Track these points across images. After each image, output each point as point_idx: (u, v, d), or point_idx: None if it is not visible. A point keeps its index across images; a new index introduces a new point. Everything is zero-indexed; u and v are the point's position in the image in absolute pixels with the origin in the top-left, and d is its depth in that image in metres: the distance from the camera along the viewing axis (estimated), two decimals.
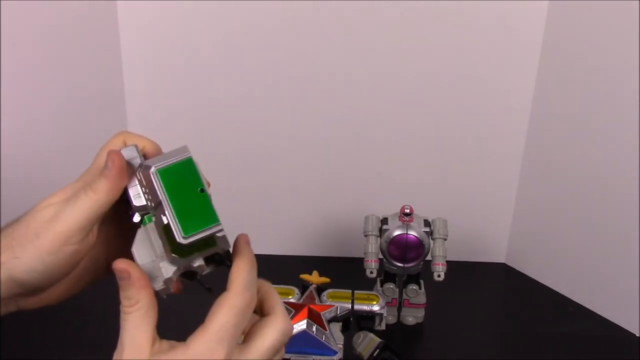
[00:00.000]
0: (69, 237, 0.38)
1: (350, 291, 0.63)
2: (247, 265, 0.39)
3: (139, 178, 0.40)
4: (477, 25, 0.82)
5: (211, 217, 0.39)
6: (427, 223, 0.72)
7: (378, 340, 0.59)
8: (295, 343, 0.58)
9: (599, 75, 0.75)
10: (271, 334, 0.38)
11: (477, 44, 0.83)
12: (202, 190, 0.39)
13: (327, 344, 0.58)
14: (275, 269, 0.88)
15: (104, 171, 0.39)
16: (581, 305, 0.80)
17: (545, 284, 0.86)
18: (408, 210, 0.70)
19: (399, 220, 0.71)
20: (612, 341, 0.73)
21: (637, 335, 0.74)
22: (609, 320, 0.77)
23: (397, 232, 0.70)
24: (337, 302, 0.61)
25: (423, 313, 0.75)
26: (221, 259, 0.41)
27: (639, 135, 0.70)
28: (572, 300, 0.81)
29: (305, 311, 0.59)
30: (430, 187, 0.89)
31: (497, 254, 0.93)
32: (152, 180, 0.39)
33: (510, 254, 0.92)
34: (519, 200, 0.89)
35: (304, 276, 0.65)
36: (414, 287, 0.73)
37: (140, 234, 0.40)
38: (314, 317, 0.59)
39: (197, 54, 0.83)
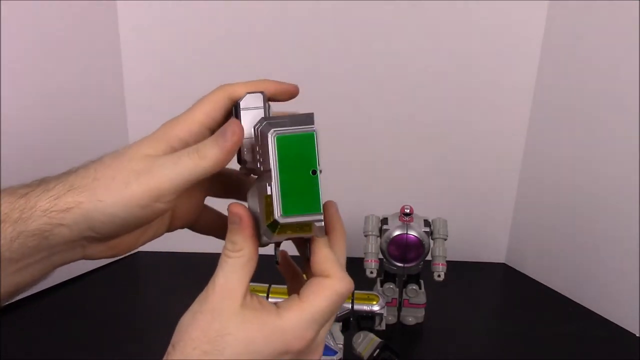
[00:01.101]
0: (161, 196, 0.36)
1: None
2: (344, 243, 0.40)
3: (256, 134, 0.38)
4: (477, 26, 0.82)
5: (315, 203, 0.37)
6: (427, 223, 0.72)
7: (378, 340, 0.59)
8: None
9: (599, 75, 0.75)
10: (327, 294, 0.37)
11: (477, 44, 0.83)
12: (315, 172, 0.37)
13: (327, 344, 0.58)
14: (275, 269, 0.89)
15: (219, 139, 0.36)
16: (581, 305, 0.80)
17: (545, 284, 0.86)
18: (408, 210, 0.70)
19: (399, 220, 0.71)
20: (612, 341, 0.73)
21: (637, 335, 0.74)
22: (609, 320, 0.77)
23: (397, 232, 0.70)
24: None
25: (423, 313, 0.75)
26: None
27: (639, 135, 0.70)
28: (572, 300, 0.81)
29: None
30: (430, 187, 0.89)
31: (497, 254, 0.93)
32: (267, 144, 0.37)
33: (510, 254, 0.92)
34: (519, 200, 0.89)
35: (304, 276, 0.65)
36: (414, 287, 0.73)
37: (258, 184, 0.38)
38: None
39: (197, 54, 0.83)
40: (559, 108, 0.81)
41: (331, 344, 0.58)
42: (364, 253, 0.71)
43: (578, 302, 0.81)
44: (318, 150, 0.38)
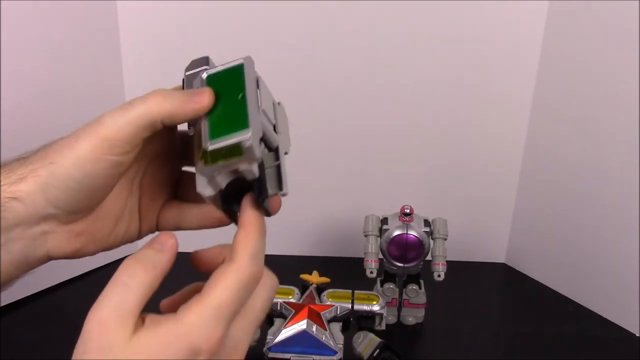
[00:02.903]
0: (113, 146, 0.34)
1: (350, 291, 0.63)
2: (254, 231, 0.34)
3: (187, 81, 0.37)
4: (476, 26, 0.82)
5: (241, 122, 0.34)
6: (427, 223, 0.72)
7: (378, 340, 0.59)
8: (295, 343, 0.58)
9: (599, 76, 0.75)
10: (227, 283, 0.31)
11: (477, 44, 0.83)
12: (243, 97, 0.35)
13: (327, 344, 0.58)
14: (275, 269, 0.89)
15: (185, 95, 0.35)
16: (581, 305, 0.80)
17: (545, 284, 0.86)
18: (408, 210, 0.70)
19: (399, 220, 0.71)
20: (612, 341, 0.73)
21: (637, 335, 0.74)
22: (609, 320, 0.77)
23: (397, 232, 0.70)
24: (337, 302, 0.61)
25: (423, 313, 0.75)
26: (252, 188, 0.36)
27: (639, 135, 0.70)
28: (572, 300, 0.82)
29: (305, 311, 0.59)
30: (430, 187, 0.89)
31: (497, 254, 0.93)
32: (199, 85, 0.36)
33: (510, 254, 0.92)
34: (519, 200, 0.89)
35: (304, 276, 0.65)
36: (414, 287, 0.73)
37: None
38: (314, 317, 0.59)
39: (197, 54, 0.83)
40: (559, 109, 0.81)
41: (331, 344, 0.58)
42: (364, 253, 0.71)
43: (578, 302, 0.81)
44: (250, 78, 0.36)
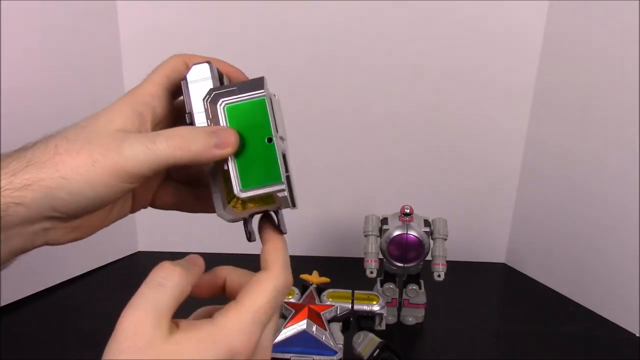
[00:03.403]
0: (130, 178, 0.34)
1: (350, 291, 0.63)
2: (283, 244, 0.38)
3: (205, 108, 0.36)
4: (477, 26, 0.82)
5: (275, 172, 0.35)
6: (427, 223, 0.72)
7: (378, 340, 0.59)
8: (295, 343, 0.58)
9: (599, 75, 0.75)
10: (264, 290, 0.34)
11: (477, 44, 0.83)
12: (270, 140, 0.35)
13: (327, 344, 0.58)
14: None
15: (211, 138, 0.34)
16: (581, 305, 0.80)
17: (545, 284, 0.86)
18: (408, 210, 0.70)
19: (399, 220, 0.71)
20: (612, 341, 0.73)
21: (637, 335, 0.74)
22: (609, 320, 0.77)
23: (397, 232, 0.70)
24: (337, 302, 0.61)
25: (423, 313, 0.75)
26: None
27: (639, 135, 0.70)
28: (572, 300, 0.81)
29: (305, 311, 0.59)
30: (430, 187, 0.89)
31: (497, 254, 0.93)
32: (218, 117, 0.35)
33: (510, 254, 0.92)
34: (519, 200, 0.89)
35: (304, 276, 0.65)
36: (414, 287, 0.73)
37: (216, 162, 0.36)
38: (314, 317, 0.59)
39: (197, 54, 0.83)
40: (560, 108, 0.81)
41: (331, 344, 0.58)
42: (364, 253, 0.71)
43: (578, 302, 0.81)
44: (274, 115, 0.35)
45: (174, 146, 0.34)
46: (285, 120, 0.39)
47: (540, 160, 0.85)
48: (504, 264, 0.93)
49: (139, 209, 0.43)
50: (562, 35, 0.79)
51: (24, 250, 0.36)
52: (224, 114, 0.35)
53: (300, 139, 0.90)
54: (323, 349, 0.57)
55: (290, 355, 0.57)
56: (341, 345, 0.58)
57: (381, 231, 0.71)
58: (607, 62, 0.74)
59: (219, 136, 0.34)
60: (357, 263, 0.72)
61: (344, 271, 0.71)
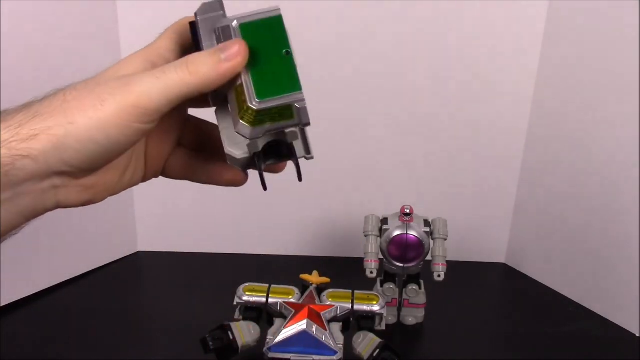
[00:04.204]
0: (142, 115, 0.32)
1: (350, 291, 0.63)
2: None
3: (217, 35, 0.34)
4: (476, 26, 0.82)
5: (293, 82, 0.32)
6: (427, 223, 0.72)
7: (378, 340, 0.59)
8: (295, 343, 0.58)
9: (599, 75, 0.75)
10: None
11: (477, 43, 0.83)
12: (288, 53, 0.33)
13: (327, 344, 0.57)
14: (275, 269, 0.89)
15: (217, 55, 0.33)
16: (581, 305, 0.80)
17: (545, 284, 0.86)
18: (408, 210, 0.70)
19: (399, 220, 0.71)
20: (612, 341, 0.73)
21: (637, 335, 0.74)
22: (609, 320, 0.77)
23: (397, 232, 0.70)
24: (337, 302, 0.61)
25: (423, 313, 0.75)
26: (288, 150, 0.35)
27: (639, 135, 0.70)
28: (572, 300, 0.81)
29: (305, 311, 0.59)
30: (430, 187, 0.89)
31: (497, 254, 0.93)
32: (231, 35, 0.33)
33: (510, 254, 0.92)
34: (519, 200, 0.89)
35: (304, 276, 0.65)
36: (414, 287, 0.73)
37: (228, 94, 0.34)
38: (314, 317, 0.59)
39: None
40: (560, 108, 0.81)
41: (331, 344, 0.58)
42: (364, 253, 0.71)
43: (578, 302, 0.81)
44: (288, 33, 0.34)
45: (183, 72, 0.33)
46: None
47: (541, 161, 0.85)
48: (504, 264, 0.93)
49: (150, 177, 0.41)
50: (563, 35, 0.79)
51: (36, 213, 0.34)
52: (237, 31, 0.33)
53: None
54: (323, 349, 0.57)
55: (290, 355, 0.57)
56: (341, 345, 0.58)
57: (381, 231, 0.71)
58: (607, 62, 0.74)
59: (226, 48, 0.33)
60: (357, 263, 0.72)
61: (344, 271, 0.71)
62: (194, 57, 0.33)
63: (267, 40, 0.33)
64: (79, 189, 0.35)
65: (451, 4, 0.81)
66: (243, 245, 0.90)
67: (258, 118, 0.32)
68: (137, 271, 0.88)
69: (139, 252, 0.91)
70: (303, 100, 0.32)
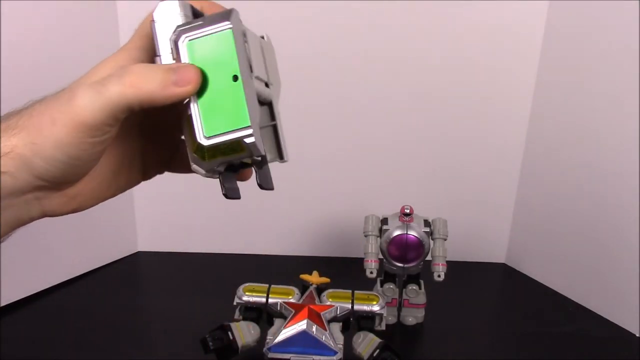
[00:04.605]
0: (90, 130, 0.31)
1: (350, 291, 0.63)
2: None
3: (171, 47, 0.32)
4: (476, 26, 0.82)
5: (241, 115, 0.30)
6: (427, 223, 0.72)
7: (378, 340, 0.59)
8: (295, 343, 0.57)
9: (598, 76, 0.75)
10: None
11: (477, 44, 0.83)
12: (236, 78, 0.31)
13: (327, 344, 0.57)
14: (275, 269, 0.89)
15: (168, 75, 0.31)
16: (581, 305, 0.80)
17: (545, 284, 0.86)
18: (408, 211, 0.70)
19: (399, 220, 0.71)
20: (612, 341, 0.73)
21: (637, 335, 0.74)
22: (609, 320, 0.77)
23: (397, 232, 0.70)
24: (337, 302, 0.61)
25: (423, 313, 0.75)
26: (254, 163, 0.33)
27: (639, 135, 0.70)
28: (572, 300, 0.82)
29: (305, 311, 0.59)
30: (430, 187, 0.89)
31: (497, 254, 0.93)
32: (179, 54, 0.31)
33: (510, 254, 0.92)
34: (519, 200, 0.89)
35: (304, 276, 0.65)
36: (414, 287, 0.73)
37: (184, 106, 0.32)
38: (314, 317, 0.59)
39: None
40: (559, 108, 0.81)
41: (331, 344, 0.58)
42: (364, 253, 0.71)
43: (578, 302, 0.81)
44: (249, 52, 0.31)
45: (124, 85, 0.31)
46: (281, 74, 0.36)
47: (541, 161, 0.85)
48: (504, 264, 0.93)
49: (154, 175, 0.40)
50: (562, 36, 0.79)
51: (21, 222, 0.34)
52: (186, 50, 0.31)
53: (299, 139, 0.91)
54: (323, 349, 0.57)
55: (290, 355, 0.57)
56: (341, 346, 0.58)
57: (381, 231, 0.71)
58: (607, 63, 0.74)
59: (178, 72, 0.31)
60: (357, 263, 0.72)
61: (344, 271, 0.71)
62: (142, 70, 0.32)
63: (217, 61, 0.31)
64: (63, 199, 0.35)
65: (451, 4, 0.81)
66: (243, 245, 0.90)
67: (209, 153, 0.31)
68: (137, 271, 0.88)
69: (139, 252, 0.91)
70: (251, 135, 0.30)
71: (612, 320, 0.77)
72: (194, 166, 0.32)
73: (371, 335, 0.60)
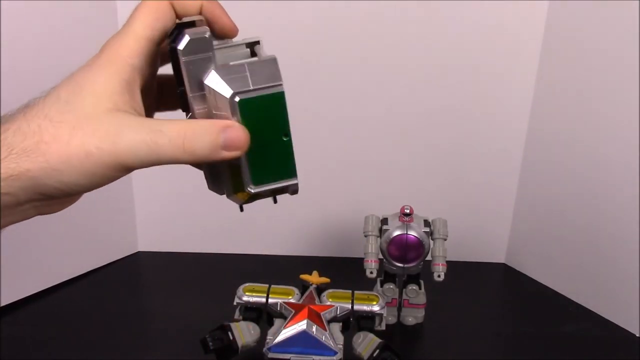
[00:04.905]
0: (126, 170, 0.32)
1: (350, 291, 0.63)
2: None
3: (208, 91, 0.31)
4: (476, 26, 0.82)
5: (289, 169, 0.33)
6: (427, 223, 0.72)
7: (378, 340, 0.59)
8: (295, 343, 0.58)
9: (599, 75, 0.75)
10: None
11: (477, 43, 0.83)
12: (287, 136, 0.32)
13: (327, 344, 0.58)
14: (275, 269, 0.89)
15: (217, 139, 0.31)
16: (581, 305, 0.80)
17: (545, 284, 0.86)
18: (408, 211, 0.70)
19: (399, 220, 0.71)
20: (612, 341, 0.73)
21: (637, 335, 0.74)
22: (609, 320, 0.77)
23: (397, 232, 0.70)
24: (337, 303, 0.61)
25: (423, 313, 0.75)
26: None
27: (639, 135, 0.70)
28: (572, 300, 0.81)
29: (305, 311, 0.59)
30: (430, 187, 0.89)
31: (497, 254, 0.93)
32: (226, 107, 0.31)
33: (510, 254, 0.92)
34: (519, 200, 0.89)
35: (304, 276, 0.65)
36: (414, 288, 0.73)
37: None
38: (313, 318, 0.59)
39: None
40: (560, 108, 0.81)
41: (331, 344, 0.58)
42: (364, 253, 0.71)
43: (578, 302, 0.81)
44: (287, 110, 0.32)
45: (177, 149, 0.32)
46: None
47: (541, 161, 0.85)
48: (504, 264, 0.93)
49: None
50: (562, 35, 0.79)
51: (15, 222, 0.35)
52: (237, 109, 0.31)
53: (299, 139, 0.90)
54: (323, 349, 0.57)
55: (290, 355, 0.57)
56: (341, 346, 0.58)
57: (381, 231, 0.71)
58: (607, 62, 0.74)
59: (228, 136, 0.32)
60: (357, 263, 0.72)
61: (344, 271, 0.71)
62: (192, 133, 0.32)
63: (267, 119, 0.32)
64: (59, 203, 0.35)
65: (450, 4, 0.81)
66: (243, 245, 0.90)
67: (252, 198, 0.33)
68: (137, 271, 0.88)
69: (139, 252, 0.91)
70: (296, 184, 0.33)
71: (612, 320, 0.77)
72: (212, 187, 0.35)
73: (371, 336, 0.60)
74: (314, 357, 0.57)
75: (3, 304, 0.73)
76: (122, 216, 0.89)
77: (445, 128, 0.87)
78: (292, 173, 0.33)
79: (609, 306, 0.77)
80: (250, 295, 0.61)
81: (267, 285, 0.62)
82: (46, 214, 0.36)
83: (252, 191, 0.33)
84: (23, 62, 0.71)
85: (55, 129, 0.32)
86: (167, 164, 0.33)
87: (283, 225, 0.91)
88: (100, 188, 0.34)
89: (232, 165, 0.33)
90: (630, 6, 0.69)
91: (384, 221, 0.72)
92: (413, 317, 0.75)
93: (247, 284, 0.62)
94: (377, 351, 0.57)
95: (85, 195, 0.36)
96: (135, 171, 0.33)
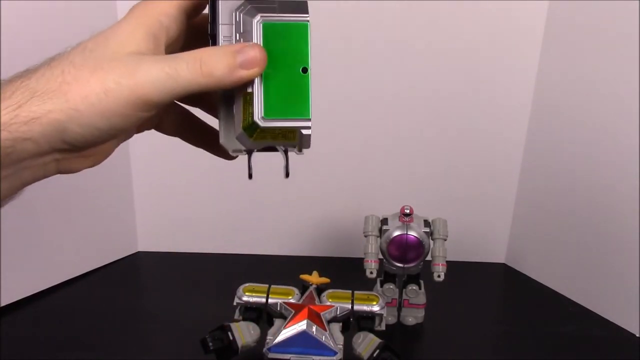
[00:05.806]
0: (147, 107, 0.32)
1: (350, 291, 0.63)
2: None
3: (236, 21, 0.32)
4: (476, 27, 0.82)
5: (304, 107, 0.32)
6: (427, 223, 0.72)
7: (378, 340, 0.59)
8: (295, 343, 0.58)
9: (599, 75, 0.75)
10: None
11: (477, 43, 0.83)
12: (305, 70, 0.32)
13: (327, 344, 0.58)
14: (275, 269, 0.89)
15: (235, 58, 0.31)
16: (581, 305, 0.80)
17: (545, 284, 0.86)
18: (408, 211, 0.70)
19: (399, 220, 0.71)
20: (612, 341, 0.73)
21: (637, 335, 0.74)
22: (609, 320, 0.77)
23: (397, 233, 0.70)
24: (337, 303, 0.61)
25: (423, 313, 0.75)
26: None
27: (639, 135, 0.70)
28: (572, 300, 0.81)
29: (305, 311, 0.59)
30: (430, 187, 0.89)
31: (497, 254, 0.93)
32: (251, 32, 0.31)
33: (510, 254, 0.92)
34: (519, 200, 0.89)
35: (304, 276, 0.65)
36: (414, 288, 0.73)
37: None
38: (313, 318, 0.59)
39: None
40: (560, 108, 0.81)
41: (331, 344, 0.58)
42: (364, 253, 0.71)
43: (578, 302, 0.81)
44: (310, 46, 0.32)
45: (195, 72, 0.31)
46: None
47: (541, 160, 0.85)
48: (504, 264, 0.93)
49: (144, 130, 0.41)
50: (562, 35, 0.79)
51: (36, 180, 0.35)
52: (260, 30, 0.31)
53: None
54: (323, 349, 0.57)
55: (290, 355, 0.57)
56: (341, 346, 0.58)
57: (381, 231, 0.71)
58: (607, 62, 0.74)
59: (245, 54, 0.32)
60: (357, 263, 0.72)
61: (344, 271, 0.71)
62: (209, 55, 0.32)
63: (288, 49, 0.32)
64: (79, 159, 0.35)
65: (450, 5, 0.81)
66: (243, 245, 0.90)
67: (260, 134, 0.32)
68: (137, 271, 0.88)
69: (139, 252, 0.91)
70: (309, 127, 0.32)
71: (612, 320, 0.77)
72: (227, 141, 0.33)
73: (371, 336, 0.60)
74: (313, 357, 0.57)
75: (3, 304, 0.73)
76: (122, 216, 0.89)
77: (446, 128, 0.87)
78: (306, 112, 0.32)
79: (609, 306, 0.77)
80: (250, 295, 0.61)
81: (267, 286, 0.62)
82: (66, 172, 0.35)
83: (261, 124, 0.31)
84: (23, 62, 0.71)
85: (77, 71, 0.32)
86: (187, 94, 0.32)
87: (283, 225, 0.91)
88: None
89: (246, 96, 0.32)
90: (630, 6, 0.69)
91: (384, 221, 0.72)
92: (413, 317, 0.75)
93: (247, 284, 0.62)
94: (377, 351, 0.57)
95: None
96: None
